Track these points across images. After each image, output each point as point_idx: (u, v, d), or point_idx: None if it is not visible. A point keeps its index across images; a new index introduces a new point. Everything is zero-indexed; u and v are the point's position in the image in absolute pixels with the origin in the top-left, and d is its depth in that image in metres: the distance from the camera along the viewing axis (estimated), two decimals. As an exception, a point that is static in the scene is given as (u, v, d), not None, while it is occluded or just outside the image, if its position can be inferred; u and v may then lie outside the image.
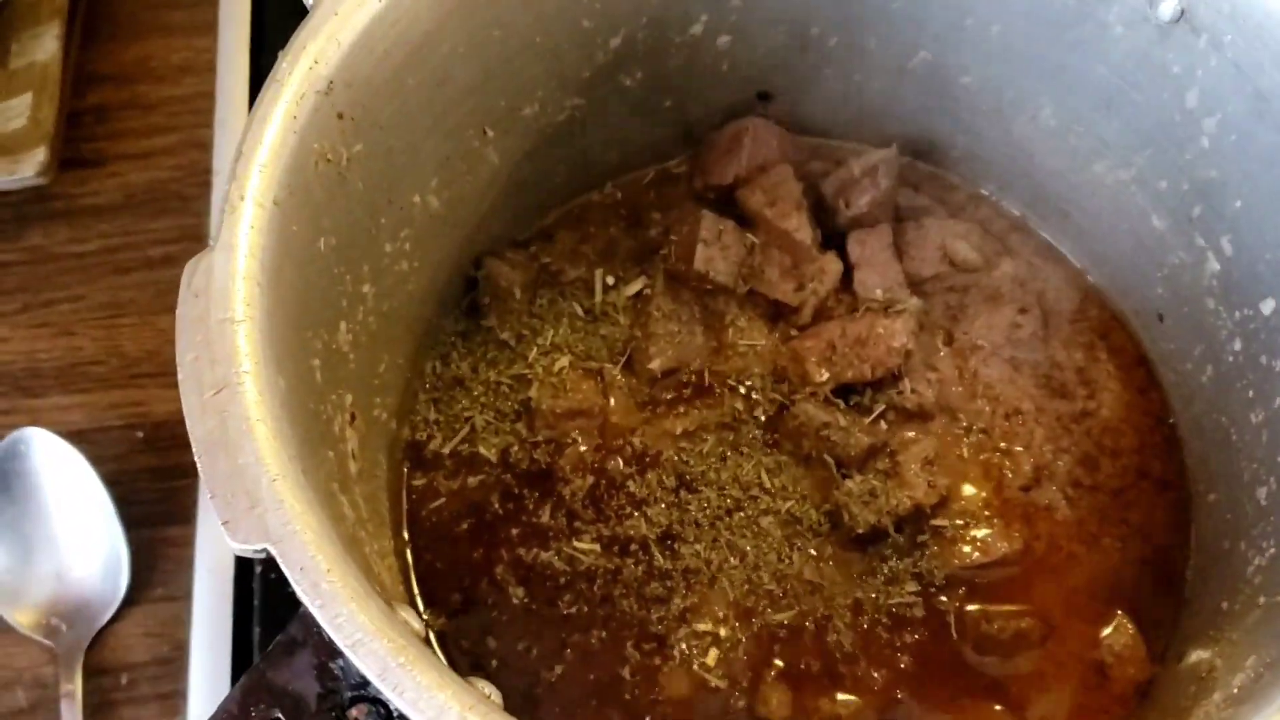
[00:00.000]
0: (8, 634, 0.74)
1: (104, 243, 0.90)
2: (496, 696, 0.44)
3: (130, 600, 0.75)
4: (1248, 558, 0.60)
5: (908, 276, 0.74)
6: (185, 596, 0.75)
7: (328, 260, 0.56)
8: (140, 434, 0.82)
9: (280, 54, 0.53)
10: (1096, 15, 0.63)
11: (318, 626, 0.42)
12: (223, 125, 0.91)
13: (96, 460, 0.76)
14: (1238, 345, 0.65)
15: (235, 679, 0.68)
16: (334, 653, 0.42)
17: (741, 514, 0.69)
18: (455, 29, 0.60)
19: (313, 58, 0.53)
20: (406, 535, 0.69)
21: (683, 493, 0.69)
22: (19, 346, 0.85)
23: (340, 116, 0.55)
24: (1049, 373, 0.73)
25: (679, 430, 0.71)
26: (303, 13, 0.56)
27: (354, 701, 0.44)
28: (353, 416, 0.60)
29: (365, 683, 0.42)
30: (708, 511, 0.69)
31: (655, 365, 0.72)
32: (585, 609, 0.66)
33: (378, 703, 0.44)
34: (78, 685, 0.72)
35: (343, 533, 0.49)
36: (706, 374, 0.73)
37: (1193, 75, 0.61)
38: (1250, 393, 0.64)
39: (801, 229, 0.73)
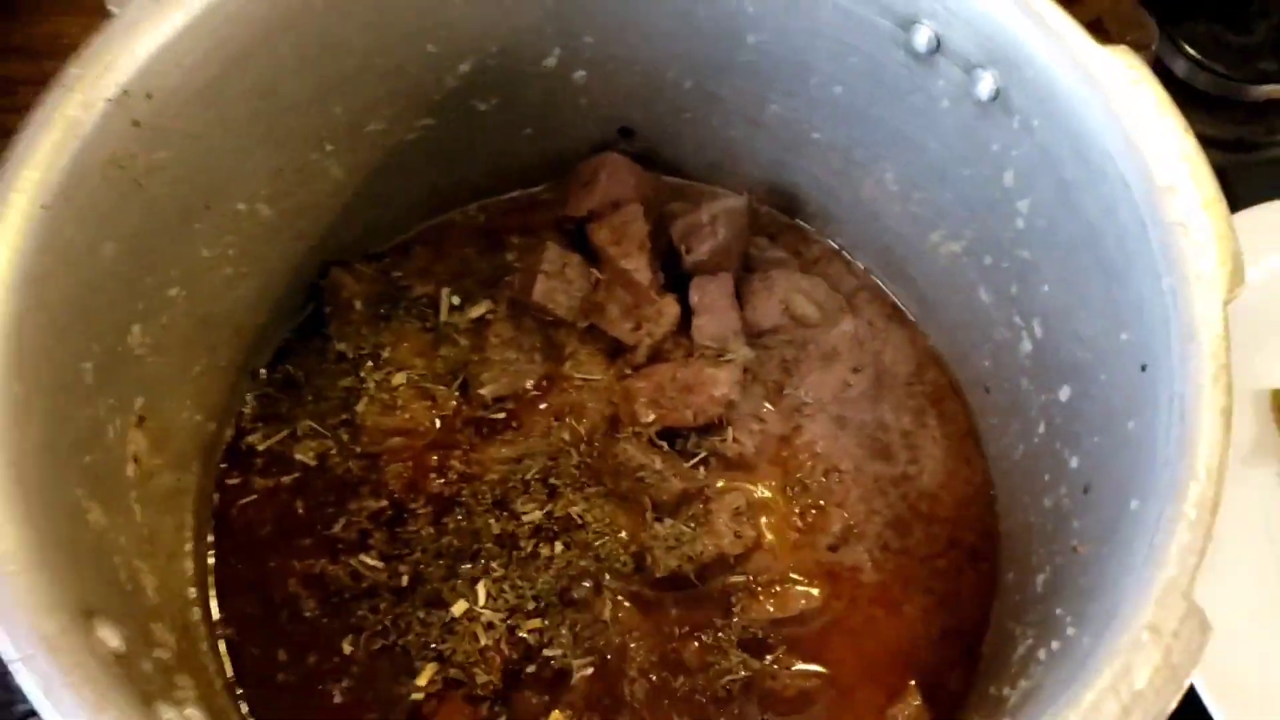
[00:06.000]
0: None
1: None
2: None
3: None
4: (1017, 642, 0.60)
5: (746, 327, 0.74)
6: None
7: (115, 265, 0.56)
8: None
9: (68, 60, 0.54)
10: (926, 86, 0.63)
11: (3, 637, 0.43)
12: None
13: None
14: (1042, 429, 0.65)
15: None
16: (15, 664, 0.42)
17: (549, 544, 0.69)
18: (279, 44, 0.60)
19: (104, 65, 0.53)
20: (212, 538, 0.69)
21: (495, 519, 0.69)
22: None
23: (137, 124, 0.55)
24: (874, 434, 0.73)
25: (502, 455, 0.72)
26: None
27: (27, 715, 0.44)
28: (141, 419, 0.60)
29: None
30: (517, 538, 0.69)
31: (486, 391, 0.73)
32: (372, 625, 0.67)
33: (47, 717, 0.44)
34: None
35: (78, 537, 0.50)
36: (538, 404, 0.73)
37: (1009, 155, 0.61)
38: (1046, 477, 0.64)
39: (641, 270, 0.73)
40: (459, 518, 0.70)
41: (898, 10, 0.60)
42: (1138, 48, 0.57)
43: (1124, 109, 0.53)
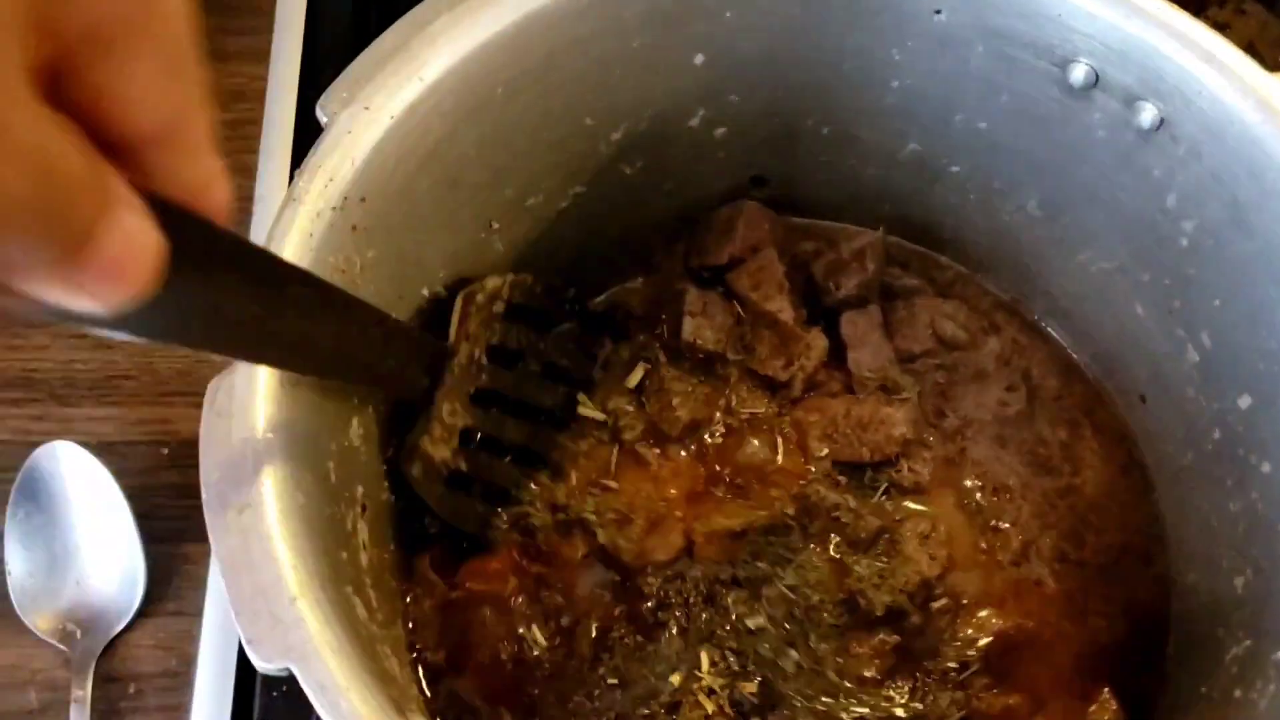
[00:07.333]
0: (26, 636, 0.75)
1: (148, 262, 0.91)
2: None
3: (144, 612, 0.77)
4: (1225, 645, 0.63)
5: (898, 354, 0.76)
6: (197, 614, 0.76)
7: (341, 366, 0.58)
8: (165, 450, 0.83)
9: (296, 173, 0.56)
10: (1080, 119, 0.65)
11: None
12: (268, 153, 0.91)
13: (122, 473, 0.78)
14: (1217, 435, 0.67)
15: (238, 698, 0.72)
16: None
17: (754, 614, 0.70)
18: (465, 135, 0.62)
19: (328, 176, 0.55)
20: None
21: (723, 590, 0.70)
22: (57, 356, 0.87)
23: (354, 229, 0.57)
24: (1035, 449, 0.76)
25: (725, 528, 0.72)
26: (349, 54, 0.59)
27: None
28: (364, 507, 0.62)
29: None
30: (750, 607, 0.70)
31: (681, 414, 0.73)
32: (597, 690, 0.68)
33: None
34: (88, 691, 0.73)
35: (358, 635, 0.52)
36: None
37: (1172, 180, 0.63)
38: (1229, 482, 0.66)
39: (784, 310, 0.75)
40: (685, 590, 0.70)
41: (1055, 51, 0.63)
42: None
43: (1303, 130, 0.56)
